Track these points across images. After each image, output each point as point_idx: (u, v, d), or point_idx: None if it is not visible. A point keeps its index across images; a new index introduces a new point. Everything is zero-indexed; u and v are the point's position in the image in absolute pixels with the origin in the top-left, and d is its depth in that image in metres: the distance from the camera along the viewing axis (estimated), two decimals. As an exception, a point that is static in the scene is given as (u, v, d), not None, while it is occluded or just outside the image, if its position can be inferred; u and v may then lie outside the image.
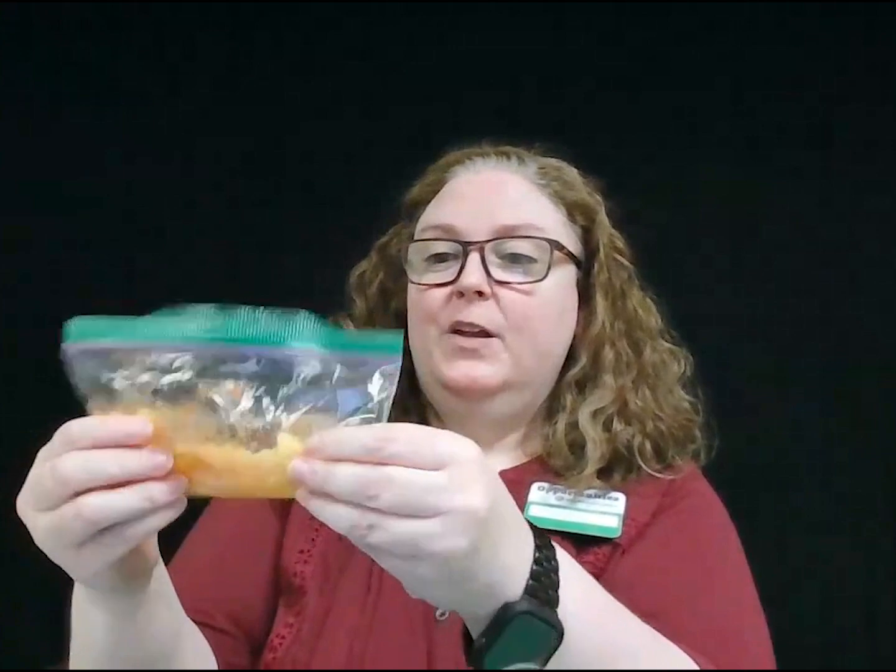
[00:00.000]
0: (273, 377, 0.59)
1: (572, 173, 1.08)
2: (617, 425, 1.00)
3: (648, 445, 1.00)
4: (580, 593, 0.67)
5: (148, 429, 0.57)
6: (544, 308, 1.01)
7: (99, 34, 2.22)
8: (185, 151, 2.16)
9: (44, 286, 2.15)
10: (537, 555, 0.64)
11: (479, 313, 0.98)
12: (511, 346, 0.99)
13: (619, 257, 1.08)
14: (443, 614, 0.90)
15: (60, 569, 0.62)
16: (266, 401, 0.59)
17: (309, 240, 2.09)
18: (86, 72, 2.21)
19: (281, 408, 0.59)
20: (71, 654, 0.76)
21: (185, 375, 0.59)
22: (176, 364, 0.59)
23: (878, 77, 2.08)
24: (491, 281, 0.98)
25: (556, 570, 0.64)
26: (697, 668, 0.75)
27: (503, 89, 2.13)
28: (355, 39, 2.22)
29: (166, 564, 0.72)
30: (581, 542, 0.92)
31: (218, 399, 0.59)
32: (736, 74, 2.11)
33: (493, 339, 0.99)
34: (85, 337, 0.59)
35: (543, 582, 0.63)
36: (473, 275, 0.98)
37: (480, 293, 0.98)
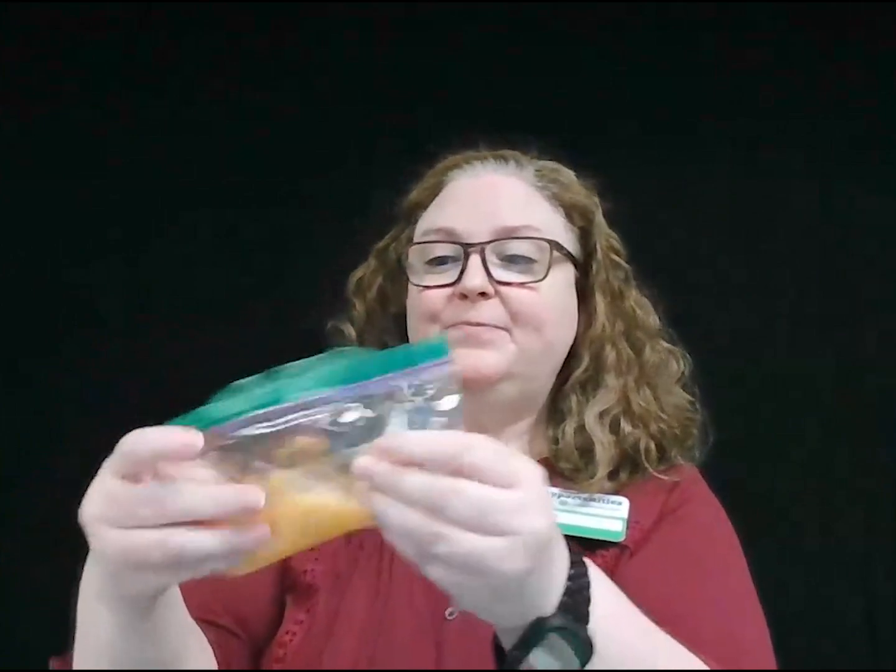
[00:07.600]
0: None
1: (569, 175, 1.09)
2: (624, 426, 1.01)
3: (653, 446, 1.01)
4: (610, 610, 0.67)
5: (261, 502, 0.58)
6: (547, 303, 1.02)
7: (98, 33, 2.22)
8: (185, 151, 2.15)
9: (44, 286, 2.15)
10: (571, 571, 0.65)
11: (485, 312, 0.99)
12: (518, 339, 0.99)
13: (615, 258, 1.09)
14: (451, 613, 0.90)
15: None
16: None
17: (309, 242, 2.09)
18: (85, 70, 2.22)
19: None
20: (76, 648, 0.75)
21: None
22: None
23: (879, 77, 2.08)
24: (493, 281, 0.99)
25: (587, 587, 0.65)
26: None
27: (499, 90, 2.12)
28: (354, 39, 2.22)
29: None
30: (587, 545, 0.92)
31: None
32: (736, 75, 2.11)
33: (500, 330, 0.99)
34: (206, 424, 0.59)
35: (576, 598, 0.64)
36: (476, 276, 0.98)
37: (483, 294, 0.98)
